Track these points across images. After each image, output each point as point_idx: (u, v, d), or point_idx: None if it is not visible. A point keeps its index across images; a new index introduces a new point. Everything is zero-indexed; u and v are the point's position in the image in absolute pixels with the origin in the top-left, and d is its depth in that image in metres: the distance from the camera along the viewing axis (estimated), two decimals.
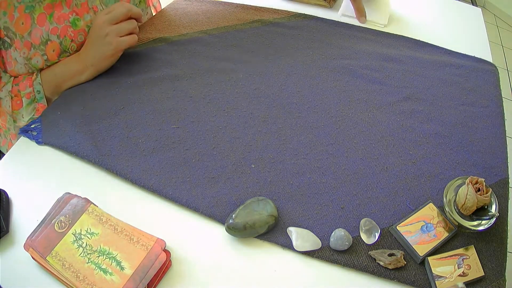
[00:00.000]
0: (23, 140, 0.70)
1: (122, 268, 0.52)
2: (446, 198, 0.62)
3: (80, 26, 0.79)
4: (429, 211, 0.62)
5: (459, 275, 0.56)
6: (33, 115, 0.75)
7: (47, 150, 0.69)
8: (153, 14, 1.03)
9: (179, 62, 0.85)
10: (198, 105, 0.76)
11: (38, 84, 0.74)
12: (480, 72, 0.88)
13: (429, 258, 0.57)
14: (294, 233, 0.59)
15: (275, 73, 0.84)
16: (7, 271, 0.55)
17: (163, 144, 0.69)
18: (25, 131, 0.70)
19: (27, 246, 0.54)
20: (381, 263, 0.57)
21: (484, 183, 0.61)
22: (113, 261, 0.53)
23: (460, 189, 0.62)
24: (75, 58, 0.77)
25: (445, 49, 0.94)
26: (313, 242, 0.58)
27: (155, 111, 0.74)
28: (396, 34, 0.97)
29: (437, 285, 0.55)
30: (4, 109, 0.73)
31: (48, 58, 0.76)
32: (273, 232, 0.60)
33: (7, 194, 0.62)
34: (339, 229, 0.59)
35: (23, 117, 0.75)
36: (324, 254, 0.58)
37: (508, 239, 0.61)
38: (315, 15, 1.01)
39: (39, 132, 0.70)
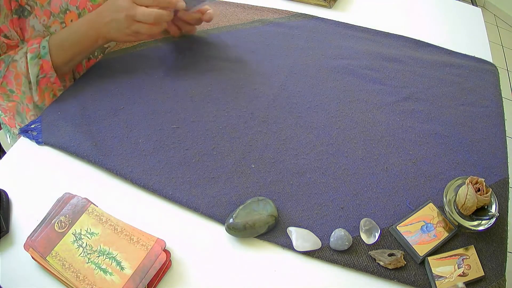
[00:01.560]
0: (23, 140, 0.70)
1: (122, 268, 0.52)
2: (446, 198, 0.62)
3: (98, 1, 0.80)
4: (429, 211, 0.62)
5: (459, 275, 0.56)
6: (37, 70, 0.73)
7: (47, 150, 0.69)
8: None
9: (179, 62, 0.85)
10: (198, 105, 0.76)
11: (45, 41, 0.73)
12: (480, 72, 0.88)
13: (429, 258, 0.57)
14: (294, 233, 0.59)
15: (275, 73, 0.84)
16: (7, 271, 0.55)
17: (163, 144, 0.69)
18: (25, 131, 0.70)
19: (27, 246, 0.54)
20: (381, 263, 0.57)
21: (484, 183, 0.61)
22: (113, 261, 0.53)
23: (460, 189, 0.62)
24: (88, 25, 0.72)
25: (445, 49, 0.94)
26: (313, 242, 0.58)
27: (155, 111, 0.74)
28: (396, 34, 0.97)
29: (437, 285, 0.55)
30: (19, 71, 0.73)
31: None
32: (273, 232, 0.60)
33: (7, 194, 0.62)
34: (339, 229, 0.59)
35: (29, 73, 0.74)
36: (324, 254, 0.58)
37: (508, 239, 0.61)
38: (315, 15, 1.01)
39: (39, 132, 0.70)
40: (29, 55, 0.72)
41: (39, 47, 0.72)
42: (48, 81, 0.75)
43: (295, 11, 1.02)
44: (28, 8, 0.72)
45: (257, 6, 1.02)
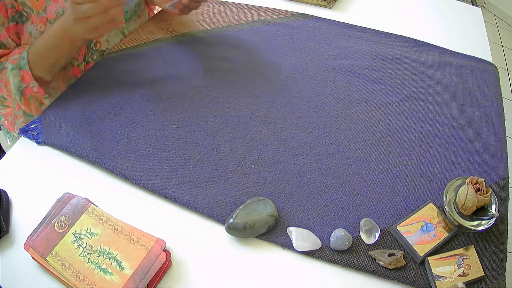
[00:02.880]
0: (23, 140, 0.70)
1: (122, 268, 0.52)
2: (446, 198, 0.62)
3: None
4: (429, 211, 0.62)
5: (459, 275, 0.56)
6: (19, 81, 0.72)
7: (47, 150, 0.69)
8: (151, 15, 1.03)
9: (179, 62, 0.85)
10: (198, 105, 0.76)
11: (25, 52, 0.72)
12: (480, 72, 0.88)
13: (429, 258, 0.57)
14: (294, 233, 0.59)
15: (275, 73, 0.84)
16: (7, 271, 0.55)
17: (163, 144, 0.69)
18: (25, 131, 0.70)
19: (27, 246, 0.54)
20: (381, 263, 0.57)
21: (484, 183, 0.61)
22: (113, 261, 0.53)
23: (460, 189, 0.62)
24: (62, 29, 0.70)
25: (445, 49, 0.94)
26: (313, 242, 0.58)
27: (155, 111, 0.74)
28: (396, 34, 0.97)
29: (437, 285, 0.55)
30: (8, 78, 0.72)
31: None
32: (273, 232, 0.60)
33: (7, 194, 0.62)
34: (339, 229, 0.59)
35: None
36: (324, 254, 0.58)
37: (508, 239, 0.61)
38: (315, 15, 1.01)
39: (39, 132, 0.70)
40: (9, 66, 0.71)
41: (20, 58, 0.71)
42: (31, 91, 0.74)
43: (295, 11, 1.02)
44: (25, 14, 0.71)
45: (257, 6, 1.02)
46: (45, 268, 0.54)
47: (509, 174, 0.69)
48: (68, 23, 0.68)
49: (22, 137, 0.70)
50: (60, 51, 0.73)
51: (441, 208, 0.62)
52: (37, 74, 0.73)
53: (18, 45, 0.74)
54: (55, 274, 0.53)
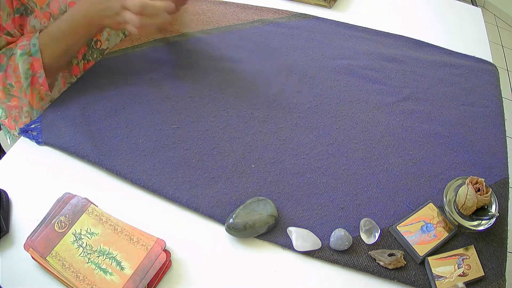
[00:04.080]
0: (23, 140, 0.70)
1: (122, 268, 0.52)
2: (446, 198, 0.62)
3: None
4: (429, 211, 0.62)
5: (459, 275, 0.56)
6: (27, 68, 0.72)
7: (47, 150, 0.69)
8: None
9: (179, 62, 0.85)
10: (198, 105, 0.76)
11: (35, 39, 0.72)
12: (480, 72, 0.88)
13: (429, 258, 0.57)
14: (294, 233, 0.59)
15: (275, 73, 0.84)
16: (7, 271, 0.55)
17: (163, 144, 0.69)
18: (25, 131, 0.70)
19: (27, 246, 0.54)
20: (381, 263, 0.57)
21: (484, 183, 0.61)
22: (113, 261, 0.53)
23: (460, 189, 0.62)
24: (81, 13, 0.71)
25: (445, 49, 0.94)
26: (313, 242, 0.58)
27: (155, 111, 0.74)
28: (396, 34, 0.97)
29: (437, 285, 0.55)
30: (17, 63, 0.72)
31: None
32: (273, 232, 0.60)
33: (7, 194, 0.62)
34: (339, 229, 0.59)
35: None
36: (324, 254, 0.58)
37: (508, 239, 0.61)
38: (315, 15, 1.01)
39: (39, 132, 0.70)
40: (18, 52, 0.71)
41: (29, 44, 0.71)
42: (37, 81, 0.74)
43: (295, 11, 1.02)
44: (30, 7, 0.72)
45: (257, 6, 1.02)
46: (45, 268, 0.54)
47: (509, 174, 0.69)
48: (92, 10, 0.69)
49: (22, 137, 0.70)
50: (76, 36, 0.73)
51: (441, 208, 0.62)
52: (47, 59, 0.73)
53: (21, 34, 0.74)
54: (55, 274, 0.53)
